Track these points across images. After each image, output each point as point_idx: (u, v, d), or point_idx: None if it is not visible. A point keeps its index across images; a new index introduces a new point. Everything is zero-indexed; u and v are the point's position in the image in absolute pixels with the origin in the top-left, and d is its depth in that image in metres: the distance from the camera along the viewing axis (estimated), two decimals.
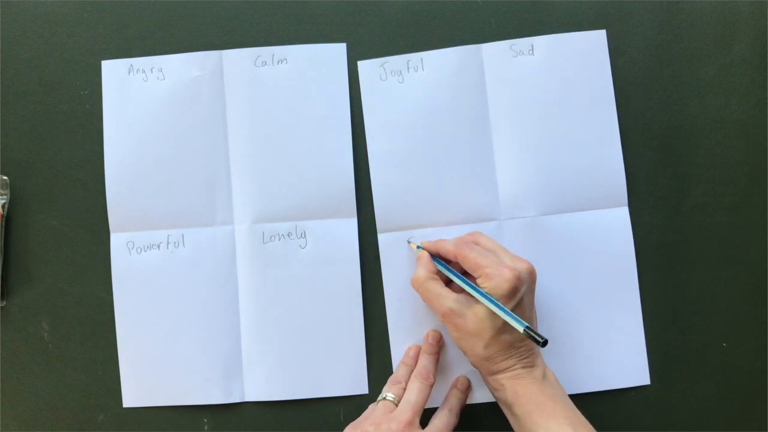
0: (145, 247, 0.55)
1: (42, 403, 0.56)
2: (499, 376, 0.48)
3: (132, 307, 0.55)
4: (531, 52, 0.56)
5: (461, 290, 0.50)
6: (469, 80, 0.56)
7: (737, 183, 0.56)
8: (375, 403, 0.51)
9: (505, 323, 0.47)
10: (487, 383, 0.50)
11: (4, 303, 0.56)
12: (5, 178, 0.56)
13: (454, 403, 0.52)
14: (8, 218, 0.56)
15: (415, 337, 0.55)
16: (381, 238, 0.56)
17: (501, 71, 0.56)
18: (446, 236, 0.55)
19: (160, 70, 0.56)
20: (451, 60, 0.56)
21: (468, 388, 0.54)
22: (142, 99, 0.56)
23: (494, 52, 0.56)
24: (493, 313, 0.47)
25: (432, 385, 0.51)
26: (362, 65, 0.56)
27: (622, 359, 0.55)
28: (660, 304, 0.55)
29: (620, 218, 0.55)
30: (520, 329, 0.45)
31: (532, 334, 0.45)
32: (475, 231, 0.53)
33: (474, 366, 0.50)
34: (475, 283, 0.48)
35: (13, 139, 0.57)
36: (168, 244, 0.55)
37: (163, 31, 0.57)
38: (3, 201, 0.56)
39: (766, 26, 0.57)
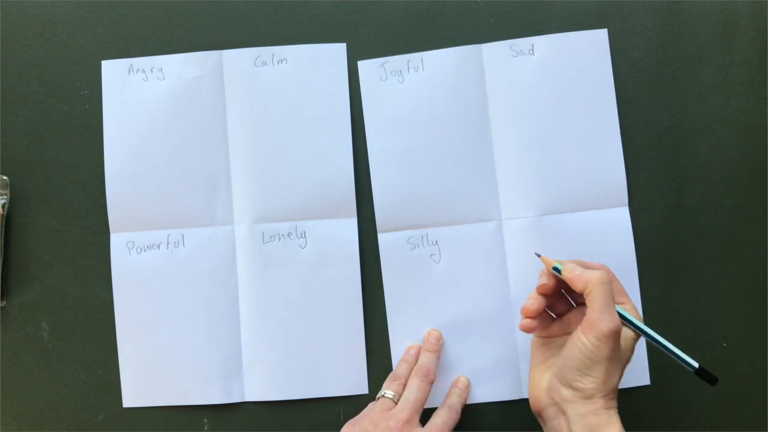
0: (145, 247, 0.55)
1: (42, 403, 0.56)
2: (612, 413, 0.44)
3: (132, 307, 0.55)
4: (531, 52, 0.56)
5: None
6: (469, 80, 0.56)
7: (737, 183, 0.56)
8: (374, 401, 0.51)
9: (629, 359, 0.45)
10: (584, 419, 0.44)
11: (4, 303, 0.56)
12: (5, 178, 0.56)
13: (455, 400, 0.52)
14: (8, 218, 0.56)
15: (415, 336, 0.55)
16: (381, 238, 0.56)
17: (501, 71, 0.56)
18: (447, 236, 0.55)
19: (160, 70, 0.56)
20: (451, 60, 0.56)
21: (468, 388, 0.54)
22: (142, 99, 0.56)
23: (494, 52, 0.56)
24: (631, 345, 0.45)
25: (432, 383, 0.51)
26: (362, 65, 0.56)
27: None
28: (660, 304, 0.55)
29: (620, 218, 0.55)
30: (695, 365, 0.44)
31: (706, 372, 0.44)
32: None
33: (591, 398, 0.44)
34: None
35: (13, 139, 0.57)
36: (168, 244, 0.55)
37: (163, 31, 0.57)
38: (3, 201, 0.56)
39: (766, 26, 0.57)
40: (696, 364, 0.44)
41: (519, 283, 0.55)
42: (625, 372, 0.54)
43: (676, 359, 0.45)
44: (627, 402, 0.55)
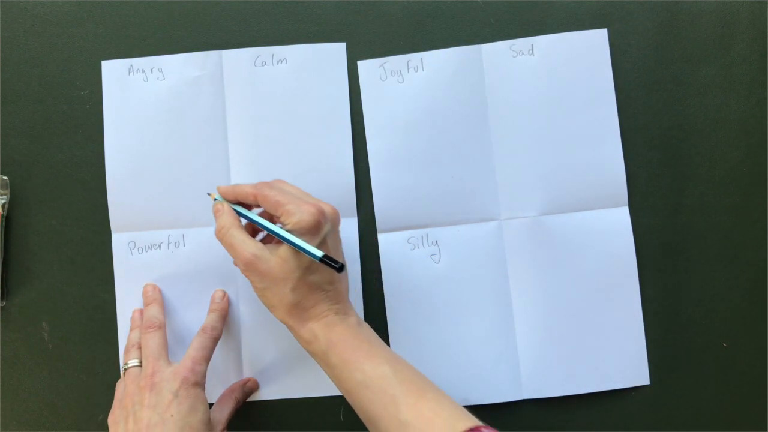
0: (146, 247, 0.55)
1: (42, 403, 0.56)
2: (312, 325, 0.46)
3: (133, 307, 0.55)
4: (531, 52, 0.56)
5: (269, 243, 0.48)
6: (469, 80, 0.56)
7: (737, 183, 0.56)
8: (120, 380, 0.51)
9: (312, 262, 0.45)
10: (300, 338, 0.47)
11: (4, 303, 0.56)
12: (5, 178, 0.56)
13: (240, 395, 0.53)
14: (8, 218, 0.56)
15: (415, 336, 0.55)
16: (381, 238, 0.56)
17: (501, 71, 0.56)
18: (447, 236, 0.55)
19: (160, 70, 0.56)
20: (451, 60, 0.56)
21: (252, 389, 0.55)
22: (142, 99, 0.56)
23: (494, 52, 0.56)
24: (298, 252, 0.45)
25: (216, 339, 0.52)
26: (362, 65, 0.56)
27: (622, 359, 0.55)
28: (660, 304, 0.56)
29: (620, 218, 0.55)
30: (318, 255, 0.44)
31: (328, 260, 0.44)
32: (278, 179, 0.51)
33: (284, 321, 0.47)
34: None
35: (13, 139, 0.57)
36: (169, 244, 0.55)
37: (163, 31, 0.57)
38: (3, 201, 0.56)
39: (766, 26, 0.57)
40: (320, 254, 0.44)
41: (519, 283, 0.55)
42: (625, 372, 0.54)
43: (301, 250, 0.44)
44: (627, 402, 0.55)
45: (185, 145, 0.56)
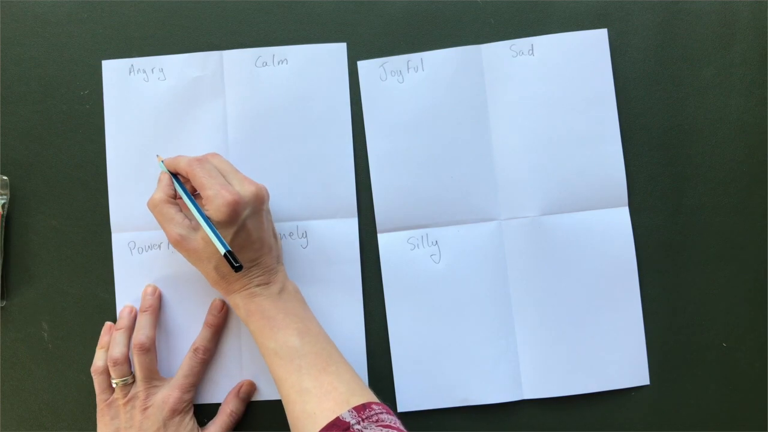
0: (147, 247, 0.55)
1: (42, 403, 0.56)
2: (235, 296, 0.49)
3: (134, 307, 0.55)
4: (531, 52, 0.56)
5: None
6: (469, 80, 0.56)
7: (737, 183, 0.56)
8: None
9: (232, 244, 0.47)
10: (228, 303, 0.51)
11: (4, 303, 0.56)
12: (5, 178, 0.56)
13: (236, 407, 0.54)
14: (8, 218, 0.56)
15: (416, 336, 0.55)
16: (381, 238, 0.56)
17: (501, 71, 0.56)
18: (447, 236, 0.55)
19: (161, 70, 0.56)
20: (451, 60, 0.56)
21: (249, 392, 0.55)
22: (143, 99, 0.56)
23: (494, 52, 0.56)
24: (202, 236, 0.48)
25: (203, 361, 0.53)
26: (362, 65, 0.56)
27: (622, 359, 0.55)
28: (660, 304, 0.56)
29: (620, 218, 0.55)
30: (222, 251, 0.45)
31: (229, 258, 0.45)
32: (214, 152, 0.52)
33: (214, 287, 0.51)
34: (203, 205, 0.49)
35: (13, 139, 0.57)
36: (168, 244, 0.55)
37: (163, 31, 0.57)
38: (3, 201, 0.56)
39: (766, 26, 0.57)
40: (223, 251, 0.45)
41: (519, 283, 0.55)
42: (625, 372, 0.54)
43: (213, 240, 0.46)
44: (627, 402, 0.55)
45: (185, 146, 0.56)
